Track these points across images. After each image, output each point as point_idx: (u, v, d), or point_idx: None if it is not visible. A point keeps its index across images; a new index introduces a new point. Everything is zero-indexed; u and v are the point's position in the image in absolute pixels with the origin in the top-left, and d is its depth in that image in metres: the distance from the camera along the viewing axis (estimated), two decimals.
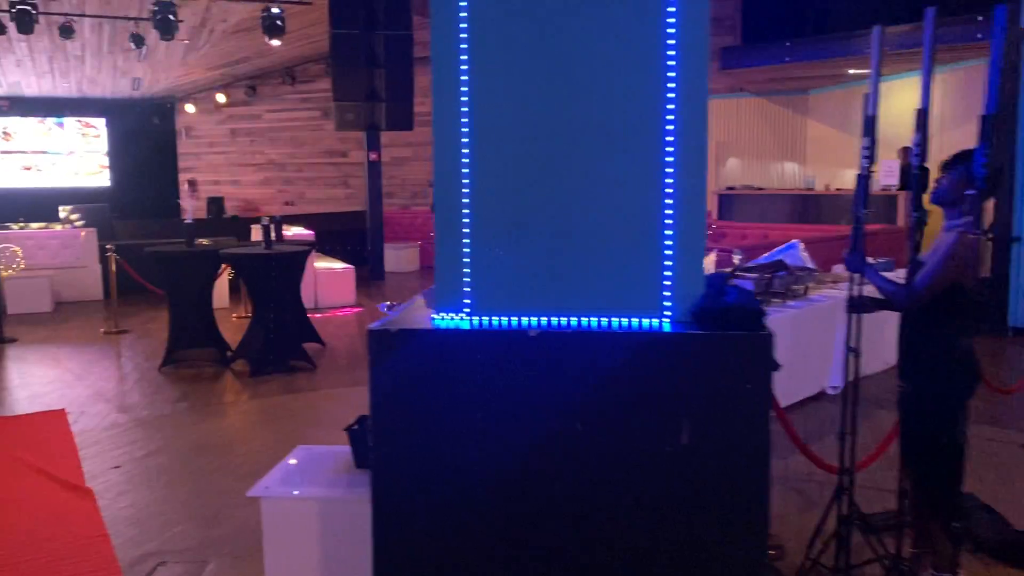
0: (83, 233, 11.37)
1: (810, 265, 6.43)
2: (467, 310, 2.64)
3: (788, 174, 13.63)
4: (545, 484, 2.50)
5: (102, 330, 9.07)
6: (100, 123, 17.48)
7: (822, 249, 7.98)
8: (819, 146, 13.36)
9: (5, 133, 16.74)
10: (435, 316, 2.67)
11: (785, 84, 12.83)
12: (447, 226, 2.64)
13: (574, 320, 2.55)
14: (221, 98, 16.88)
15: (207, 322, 7.43)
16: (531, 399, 2.48)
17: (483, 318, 2.62)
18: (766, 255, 6.41)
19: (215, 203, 16.89)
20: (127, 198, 16.87)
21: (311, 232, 11.58)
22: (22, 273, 10.44)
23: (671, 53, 2.49)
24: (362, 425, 3.28)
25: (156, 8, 10.52)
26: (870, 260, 6.81)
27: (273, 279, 7.07)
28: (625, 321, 2.53)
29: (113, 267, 9.03)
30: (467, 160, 2.61)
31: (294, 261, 7.16)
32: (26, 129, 16.86)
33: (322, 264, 10.99)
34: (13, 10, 9.95)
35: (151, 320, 9.72)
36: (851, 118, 12.83)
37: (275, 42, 11.34)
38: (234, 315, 9.75)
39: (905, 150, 10.07)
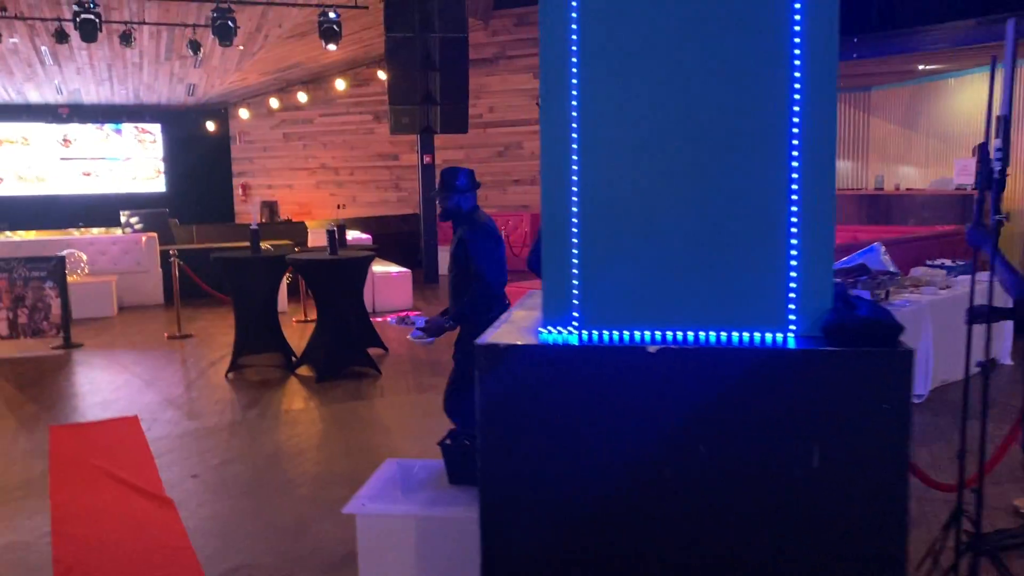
0: (144, 238, 11.51)
1: (892, 268, 6.20)
2: (575, 324, 2.53)
3: (848, 173, 13.27)
4: (662, 507, 2.38)
5: (166, 335, 9.15)
6: (156, 129, 17.75)
7: (897, 251, 7.72)
8: (882, 144, 13.00)
9: (65, 139, 17.08)
10: (542, 330, 2.56)
11: (848, 81, 12.49)
12: (555, 235, 2.54)
13: (691, 335, 2.43)
14: (274, 103, 17.02)
15: (272, 328, 7.43)
16: (648, 418, 2.36)
17: (593, 332, 2.51)
18: (845, 258, 6.20)
19: (269, 207, 17.05)
20: (182, 202, 17.09)
21: (368, 236, 11.57)
22: (86, 278, 10.59)
23: (797, 52, 2.35)
24: (455, 440, 3.19)
25: (215, 14, 10.60)
26: (946, 263, 6.48)
27: (338, 285, 7.04)
28: (747, 336, 2.40)
29: (176, 272, 9.10)
30: (576, 167, 2.50)
31: (359, 267, 7.13)
32: (85, 135, 17.19)
33: (379, 268, 10.96)
34: (78, 19, 10.10)
35: (213, 325, 9.79)
36: (914, 115, 12.46)
37: (331, 46, 11.36)
38: (294, 319, 9.78)
39: (981, 147, 9.71)
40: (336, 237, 7.18)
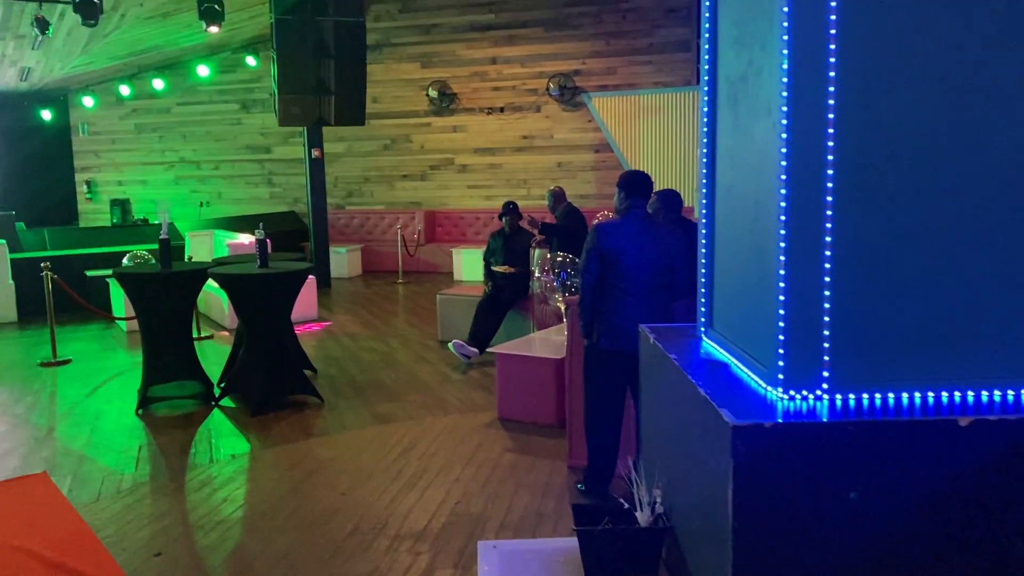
0: None
1: None
2: (825, 385, 2.00)
3: None
4: None
5: (38, 362, 7.79)
6: None
7: None
8: None
9: None
10: (775, 391, 2.01)
11: None
12: (797, 272, 1.99)
13: (997, 395, 1.96)
14: (125, 90, 15.28)
15: (188, 353, 6.40)
16: (947, 506, 1.87)
17: (850, 396, 1.99)
18: None
19: (120, 205, 15.34)
20: (15, 202, 15.02)
21: (250, 239, 10.44)
22: None
23: None
24: (594, 521, 2.57)
25: None
26: None
27: (271, 302, 6.14)
28: None
29: (49, 286, 7.75)
30: (831, 184, 1.96)
31: (294, 281, 6.24)
32: None
33: None
34: None
35: (92, 345, 8.48)
36: None
37: (213, 28, 10.16)
38: None
39: None
40: (266, 247, 6.25)
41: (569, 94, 13.34)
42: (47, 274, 7.71)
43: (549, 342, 5.99)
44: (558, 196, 8.43)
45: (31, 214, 14.79)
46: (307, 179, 12.29)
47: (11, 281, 9.87)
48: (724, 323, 2.46)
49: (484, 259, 8.11)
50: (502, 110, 13.85)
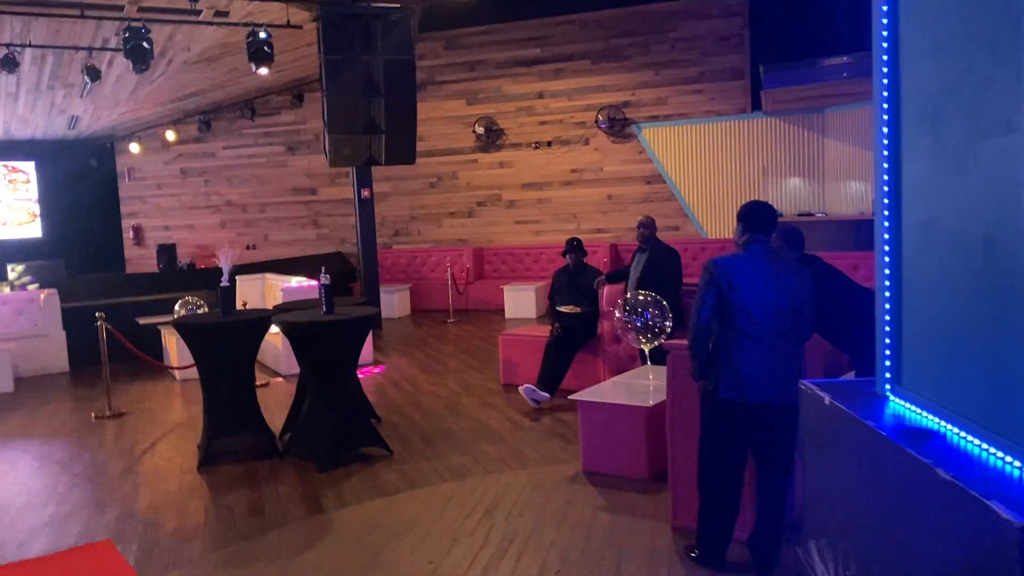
0: (42, 296, 9.74)
1: None
2: None
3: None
4: None
5: (92, 414, 7.56)
6: (29, 167, 15.62)
7: None
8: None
9: None
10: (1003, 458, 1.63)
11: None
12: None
13: None
14: (171, 135, 15.30)
15: (250, 404, 6.11)
16: None
17: None
18: None
19: (166, 251, 15.29)
20: (63, 249, 15.05)
21: (314, 282, 10.21)
22: None
23: None
24: None
25: (128, 34, 9.11)
26: None
27: (337, 350, 5.84)
28: None
29: (103, 336, 7.54)
30: None
31: (363, 327, 5.94)
32: None
33: None
34: None
35: (145, 397, 8.26)
36: None
37: (263, 70, 10.05)
38: None
39: None
40: (331, 293, 5.97)
41: (618, 126, 13.06)
42: (101, 324, 7.50)
43: (633, 387, 5.60)
44: (651, 226, 7.13)
45: (79, 261, 14.79)
46: (356, 219, 12.07)
47: (63, 331, 9.72)
48: (925, 381, 2.08)
49: (549, 299, 7.77)
50: (549, 144, 13.61)
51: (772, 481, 3.83)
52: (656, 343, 5.65)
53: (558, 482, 5.22)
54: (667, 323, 5.57)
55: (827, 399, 2.26)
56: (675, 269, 6.63)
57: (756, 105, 12.29)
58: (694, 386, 3.95)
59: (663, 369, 5.77)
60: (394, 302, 12.93)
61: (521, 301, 12.46)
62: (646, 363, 5.98)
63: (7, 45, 10.13)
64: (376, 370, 9.12)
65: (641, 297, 5.71)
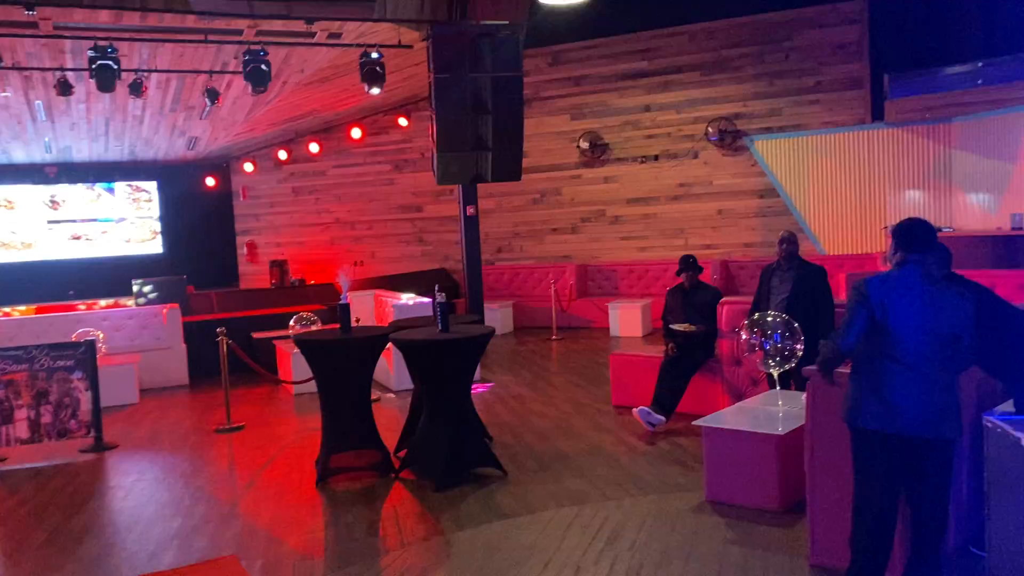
0: (165, 311, 10.12)
1: None
2: None
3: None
4: None
5: (213, 427, 7.77)
6: (152, 187, 16.38)
7: None
8: None
9: (53, 201, 15.63)
10: None
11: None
12: None
13: None
14: (283, 155, 15.79)
15: (366, 420, 6.12)
16: None
17: None
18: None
19: (279, 267, 15.74)
20: (181, 265, 15.70)
21: (428, 299, 10.28)
22: (103, 360, 9.15)
23: None
24: None
25: (248, 57, 9.41)
26: None
27: (452, 369, 5.78)
28: None
29: (224, 350, 7.74)
30: None
31: (479, 346, 5.88)
32: (75, 196, 15.77)
33: None
34: (93, 66, 8.83)
35: (262, 411, 8.45)
36: None
37: (375, 90, 10.21)
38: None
39: None
40: (447, 312, 5.93)
41: (730, 138, 12.71)
42: (223, 339, 7.70)
43: (762, 413, 5.33)
44: (795, 242, 6.49)
45: (196, 276, 15.37)
46: (462, 236, 12.11)
47: (183, 344, 10.06)
48: None
49: (662, 318, 7.55)
50: (656, 158, 13.37)
51: (926, 520, 3.54)
52: (785, 367, 5.37)
53: (682, 512, 5.00)
54: (798, 347, 5.28)
55: (1019, 437, 2.02)
56: (826, 288, 6.19)
57: (877, 115, 11.74)
58: (837, 413, 3.70)
59: (795, 395, 5.50)
60: (497, 319, 12.91)
61: (626, 319, 12.23)
62: (773, 388, 5.70)
63: (135, 71, 10.61)
64: (484, 388, 9.07)
65: (770, 318, 5.44)
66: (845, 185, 11.88)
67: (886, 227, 11.13)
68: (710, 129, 12.77)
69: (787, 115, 12.43)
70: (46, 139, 13.72)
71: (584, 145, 13.70)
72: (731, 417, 5.33)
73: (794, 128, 12.35)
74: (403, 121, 14.83)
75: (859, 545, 3.57)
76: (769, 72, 12.50)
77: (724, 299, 7.02)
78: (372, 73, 10.06)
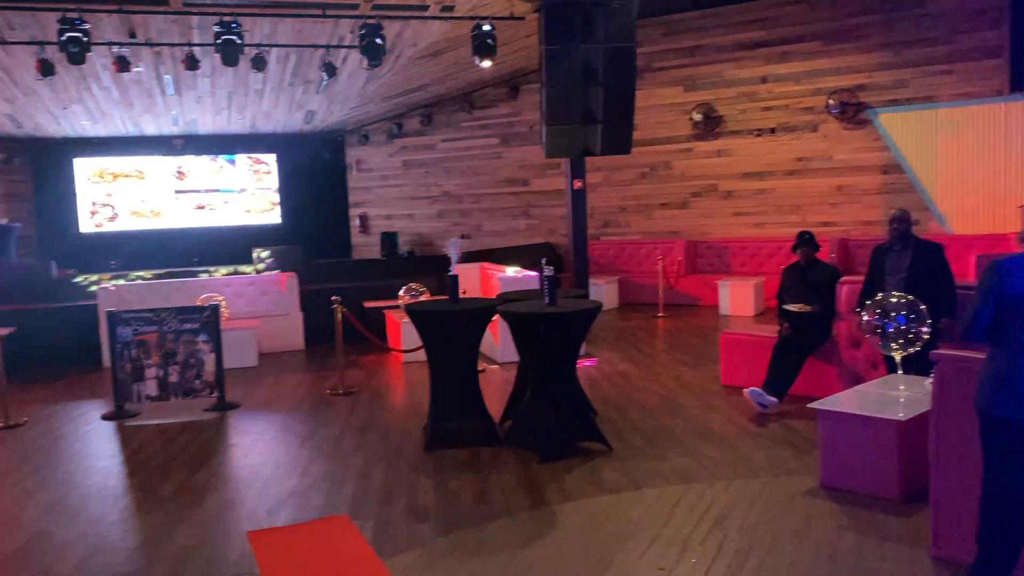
0: (284, 278, 10.51)
1: None
2: None
3: None
4: None
5: (328, 391, 8.05)
6: (271, 159, 17.00)
7: None
8: None
9: (180, 172, 16.44)
10: None
11: None
12: None
13: None
14: (394, 129, 16.08)
15: (473, 390, 6.21)
16: None
17: None
18: None
19: (389, 239, 16.11)
20: (297, 235, 16.28)
21: (534, 272, 10.30)
22: (226, 325, 9.60)
23: None
24: None
25: (364, 31, 9.59)
26: None
27: (559, 342, 5.78)
28: None
29: (339, 317, 7.98)
30: None
31: (586, 320, 5.85)
32: (199, 167, 16.53)
33: None
34: (218, 41, 9.20)
35: (372, 376, 8.69)
36: None
37: (486, 63, 10.24)
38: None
39: None
40: (555, 285, 5.92)
41: (852, 111, 12.15)
42: (338, 307, 7.93)
43: (882, 397, 5.11)
44: (908, 220, 6.19)
45: (311, 247, 15.90)
46: (569, 210, 12.05)
47: (300, 311, 10.44)
48: None
49: (777, 297, 7.32)
50: (773, 131, 12.92)
51: None
52: (909, 351, 5.12)
53: (794, 496, 4.86)
54: (923, 329, 5.02)
55: None
56: (945, 263, 5.90)
57: (1016, 86, 10.97)
58: (966, 399, 3.50)
59: (918, 379, 5.24)
60: (602, 294, 12.81)
61: (737, 297, 11.93)
62: (894, 371, 5.45)
63: (257, 45, 10.98)
64: (588, 363, 9.04)
65: (894, 299, 5.18)
66: (978, 161, 11.17)
67: (1022, 206, 10.42)
68: (831, 101, 12.23)
69: (915, 86, 11.76)
70: (174, 112, 14.41)
71: (697, 117, 13.38)
72: (848, 400, 5.13)
73: (923, 100, 11.69)
74: (511, 95, 14.83)
75: (987, 540, 3.38)
76: (897, 41, 11.84)
77: (844, 279, 6.75)
78: (483, 46, 10.08)
